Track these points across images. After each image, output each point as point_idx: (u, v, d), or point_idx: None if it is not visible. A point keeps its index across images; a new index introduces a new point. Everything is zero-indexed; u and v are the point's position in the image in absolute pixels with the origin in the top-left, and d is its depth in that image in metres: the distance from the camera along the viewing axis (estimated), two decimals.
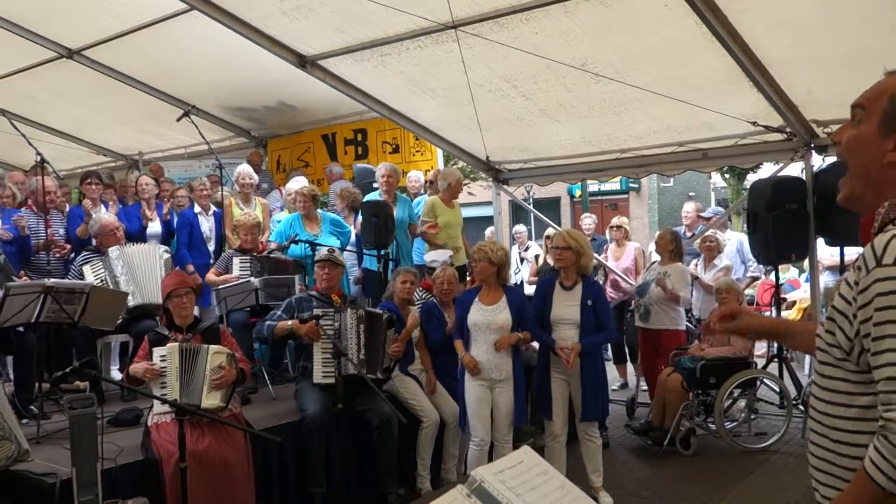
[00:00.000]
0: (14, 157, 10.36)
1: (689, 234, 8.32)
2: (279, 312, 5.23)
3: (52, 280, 5.13)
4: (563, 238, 5.18)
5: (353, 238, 7.46)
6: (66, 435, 4.21)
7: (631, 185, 26.18)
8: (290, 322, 5.09)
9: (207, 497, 3.95)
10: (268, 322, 5.19)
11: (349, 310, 5.12)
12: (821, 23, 4.81)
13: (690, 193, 25.98)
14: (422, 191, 8.26)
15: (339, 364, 4.95)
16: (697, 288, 7.70)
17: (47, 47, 7.54)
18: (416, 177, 8.40)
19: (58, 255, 6.52)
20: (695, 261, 7.92)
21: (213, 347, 4.46)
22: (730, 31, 4.91)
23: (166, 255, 6.31)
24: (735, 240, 8.44)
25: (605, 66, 5.52)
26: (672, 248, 6.93)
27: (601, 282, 8.03)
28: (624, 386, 8.30)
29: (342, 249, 6.86)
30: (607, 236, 8.99)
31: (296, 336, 5.16)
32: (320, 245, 6.38)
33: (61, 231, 6.76)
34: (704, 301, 7.57)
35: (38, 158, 5.79)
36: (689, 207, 8.76)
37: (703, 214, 8.89)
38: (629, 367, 8.26)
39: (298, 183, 7.70)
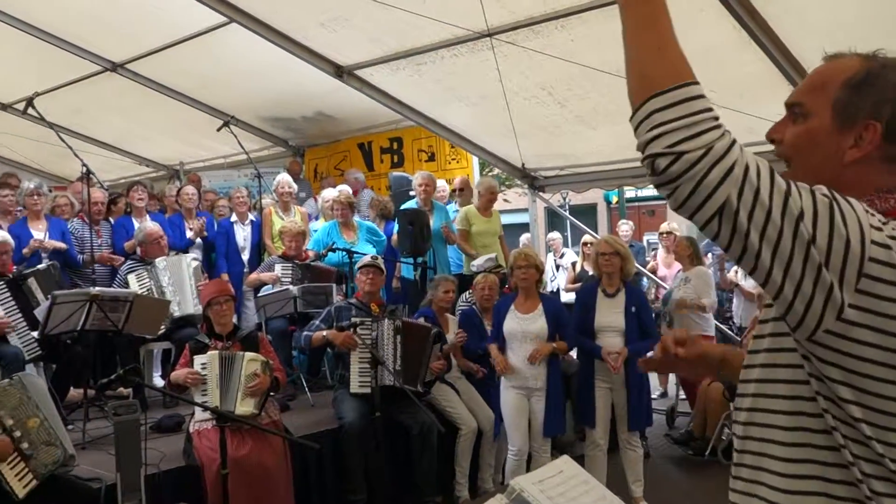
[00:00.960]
0: (61, 168, 10.63)
1: None
2: (318, 322, 5.28)
3: (98, 288, 5.24)
4: (610, 244, 5.16)
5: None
6: (111, 441, 4.31)
7: None
8: (325, 332, 5.13)
9: (248, 503, 3.99)
10: (305, 332, 5.24)
11: (386, 320, 5.14)
12: (861, 24, 4.72)
13: None
14: (448, 198, 8.27)
15: (375, 373, 4.97)
16: (738, 295, 7.60)
17: (92, 61, 7.74)
18: (441, 186, 8.40)
19: (110, 265, 6.66)
20: (735, 267, 7.81)
21: (249, 355, 4.52)
22: (768, 34, 4.85)
23: (195, 263, 6.40)
24: None
25: None
26: (690, 252, 6.87)
27: (653, 290, 7.97)
28: (664, 395, 8.21)
29: (380, 258, 6.90)
30: (645, 242, 8.91)
31: (333, 345, 5.20)
32: (357, 253, 6.43)
33: (109, 241, 6.90)
34: (746, 308, 7.47)
35: (84, 170, 5.92)
36: None
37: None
38: (669, 375, 8.17)
39: (334, 191, 7.78)
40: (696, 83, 1.21)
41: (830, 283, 1.13)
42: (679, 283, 6.78)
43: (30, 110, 6.03)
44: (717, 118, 1.17)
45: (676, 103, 1.18)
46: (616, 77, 5.50)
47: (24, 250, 6.04)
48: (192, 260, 6.44)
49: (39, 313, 5.03)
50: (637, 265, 7.75)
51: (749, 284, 7.50)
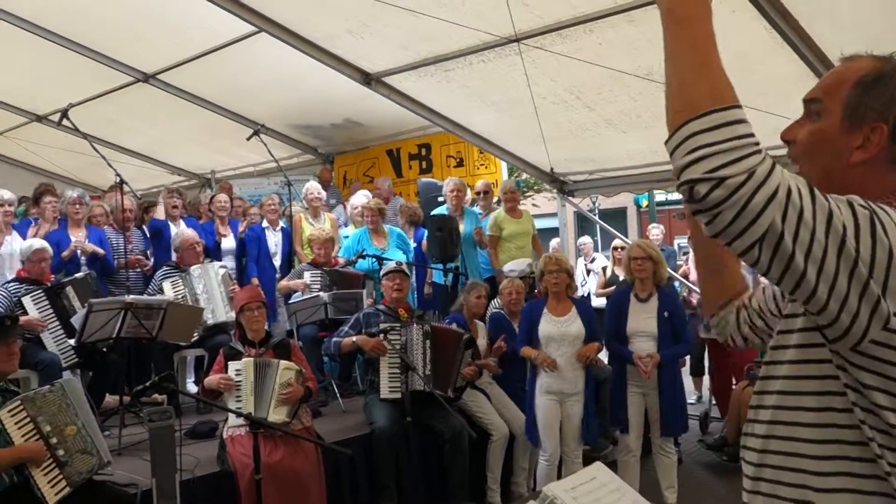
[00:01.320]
0: (94, 177, 10.80)
1: None
2: (347, 328, 5.31)
3: (132, 296, 5.31)
4: (643, 248, 5.12)
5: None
6: (145, 446, 4.36)
7: None
8: (354, 338, 5.15)
9: None
10: (335, 339, 5.27)
11: (415, 325, 5.15)
12: (893, 20, 4.65)
13: None
14: (470, 203, 8.26)
15: (405, 379, 4.98)
16: None
17: (124, 72, 7.85)
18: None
19: (140, 269, 6.75)
20: None
21: (284, 363, 4.55)
22: (801, 36, 4.78)
23: (222, 271, 6.47)
24: None
25: None
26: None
27: (685, 294, 7.89)
28: (699, 399, 8.12)
29: (409, 264, 6.93)
30: (675, 246, 8.81)
31: (363, 351, 5.21)
32: (387, 259, 6.46)
33: (141, 247, 7.00)
34: None
35: (118, 179, 6.01)
36: None
37: None
38: (704, 380, 8.08)
39: (363, 197, 7.82)
40: (739, 106, 1.17)
41: (877, 295, 1.12)
42: None
43: (64, 121, 6.13)
44: (758, 143, 1.14)
45: (718, 126, 1.15)
46: (646, 80, 5.47)
47: (64, 253, 6.16)
48: (219, 268, 6.51)
49: (76, 321, 5.13)
50: (669, 270, 7.69)
51: None
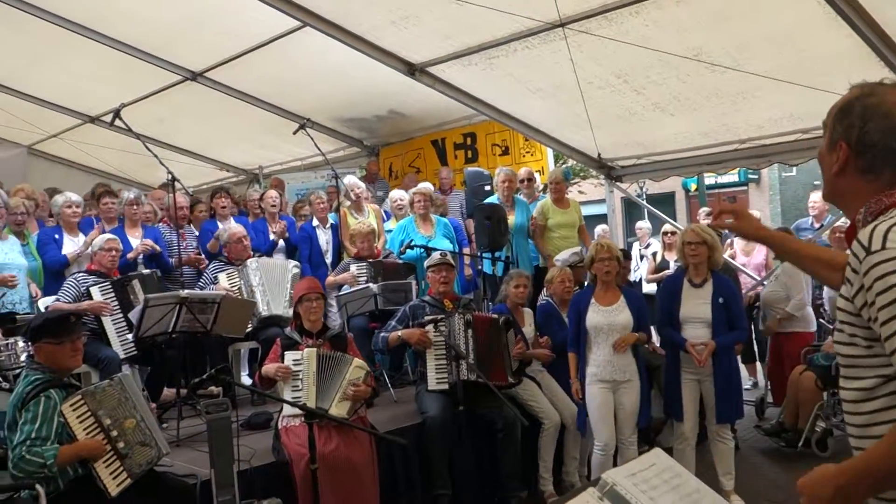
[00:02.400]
0: (147, 176, 11.01)
1: (816, 226, 7.90)
2: (394, 323, 5.33)
3: (186, 291, 5.42)
4: (697, 232, 5.02)
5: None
6: (203, 438, 4.46)
7: (750, 176, 25.06)
8: (400, 332, 5.16)
9: (337, 498, 4.06)
10: (382, 334, 5.30)
11: (456, 315, 5.14)
12: None
13: (816, 182, 24.66)
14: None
15: (455, 368, 4.98)
16: None
17: (173, 71, 7.98)
18: None
19: (196, 267, 6.89)
20: None
21: (357, 361, 4.59)
22: (856, 9, 4.63)
23: (295, 270, 6.56)
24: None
25: (721, 55, 5.32)
26: None
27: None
28: (755, 385, 7.97)
29: (459, 253, 6.95)
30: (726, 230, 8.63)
31: (409, 344, 5.23)
32: (435, 249, 6.46)
33: (194, 244, 7.14)
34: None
35: (170, 177, 6.12)
36: (816, 197, 8.27)
37: None
38: (759, 365, 7.95)
39: (401, 192, 7.86)
40: None
41: None
42: (772, 277, 6.59)
43: (117, 122, 6.25)
44: None
45: None
46: (694, 61, 5.37)
47: (130, 254, 6.31)
48: (293, 267, 6.62)
49: (133, 316, 5.24)
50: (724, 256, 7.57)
51: None
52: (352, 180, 7.83)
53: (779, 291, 6.57)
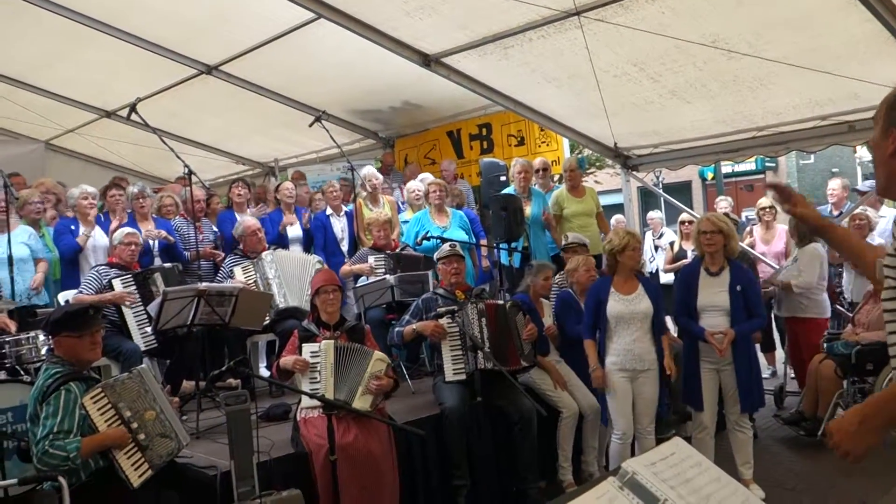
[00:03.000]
0: (163, 170, 11.08)
1: (835, 213, 7.81)
2: (408, 317, 5.32)
3: (204, 284, 5.44)
4: (712, 221, 4.99)
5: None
6: (222, 430, 4.47)
7: (767, 164, 24.92)
8: (415, 325, 5.16)
9: (356, 488, 4.07)
10: (396, 329, 5.31)
11: (469, 304, 5.13)
12: None
13: (834, 169, 24.48)
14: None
15: (471, 358, 4.97)
16: (848, 270, 7.24)
17: (188, 65, 8.01)
18: None
19: (211, 260, 6.92)
20: None
21: (378, 354, 4.59)
22: None
23: (318, 265, 6.57)
24: (890, 217, 7.84)
25: (738, 42, 5.27)
26: (803, 229, 6.58)
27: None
28: (774, 374, 7.93)
29: (476, 245, 6.94)
30: (744, 218, 8.58)
31: (425, 336, 5.23)
32: (451, 240, 6.45)
33: (210, 237, 7.17)
34: (857, 284, 7.10)
35: (186, 170, 6.14)
36: (834, 184, 8.19)
37: (859, 188, 8.33)
38: (778, 354, 7.89)
39: (420, 182, 7.84)
40: None
41: None
42: (790, 262, 6.55)
43: (133, 116, 6.28)
44: None
45: None
46: (711, 48, 5.32)
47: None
48: (316, 262, 6.64)
49: (152, 309, 5.28)
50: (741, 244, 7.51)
51: None
52: (370, 171, 7.84)
53: (797, 276, 6.52)
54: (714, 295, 4.92)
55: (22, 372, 4.33)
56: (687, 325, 5.04)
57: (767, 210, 7.95)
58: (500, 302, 5.27)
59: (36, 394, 3.52)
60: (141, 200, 6.80)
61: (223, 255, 6.90)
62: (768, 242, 7.86)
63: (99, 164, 11.58)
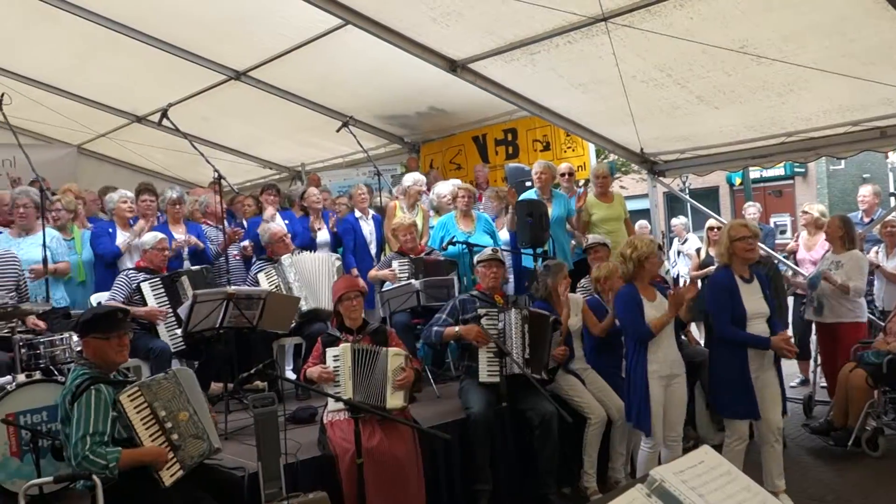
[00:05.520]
0: (192, 174, 11.21)
1: (866, 220, 7.72)
2: (444, 316, 5.32)
3: (233, 287, 5.51)
4: (749, 227, 4.87)
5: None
6: (249, 432, 4.53)
7: (797, 169, 24.62)
8: (457, 328, 5.16)
9: (382, 492, 4.09)
10: (435, 328, 5.28)
11: (513, 310, 5.14)
12: None
13: (865, 175, 24.16)
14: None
15: (503, 363, 4.98)
16: (879, 277, 7.15)
17: (218, 71, 8.10)
18: None
19: (237, 256, 6.98)
20: (875, 248, 7.34)
21: (392, 350, 4.62)
22: None
23: (337, 263, 6.64)
24: None
25: (768, 47, 5.24)
26: (842, 234, 6.49)
27: (789, 274, 7.62)
28: (804, 382, 7.82)
29: (501, 249, 6.92)
30: (772, 224, 8.51)
31: (462, 339, 5.24)
32: (476, 245, 6.47)
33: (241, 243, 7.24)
34: (888, 291, 7.02)
35: (216, 175, 6.22)
36: (865, 191, 8.09)
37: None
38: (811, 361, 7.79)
39: (448, 185, 7.87)
40: None
41: None
42: (829, 266, 6.44)
43: (164, 121, 6.37)
44: None
45: None
46: (740, 54, 5.29)
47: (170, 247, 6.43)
48: (335, 259, 6.71)
49: (182, 312, 5.36)
50: (767, 249, 7.44)
51: (891, 266, 7.04)
52: (418, 177, 7.89)
53: (844, 279, 6.41)
54: (755, 302, 4.80)
55: (56, 372, 4.41)
56: (735, 334, 4.77)
57: (813, 217, 7.83)
58: (545, 313, 5.26)
59: (65, 394, 3.56)
60: (177, 207, 6.94)
61: (242, 232, 6.96)
62: (811, 248, 7.75)
63: (129, 169, 11.74)
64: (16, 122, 5.95)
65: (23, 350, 4.32)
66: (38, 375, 4.26)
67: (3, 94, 5.56)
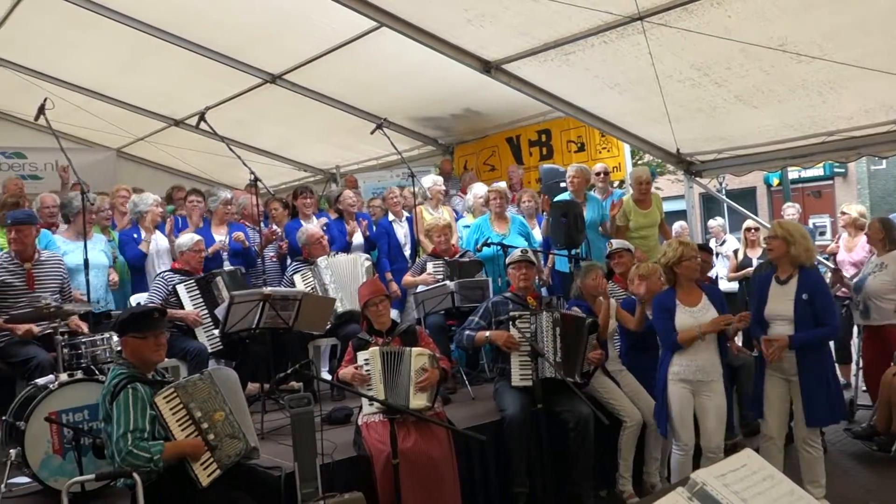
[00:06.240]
0: (228, 177, 11.34)
1: None
2: (477, 319, 5.32)
3: (270, 289, 5.56)
4: (774, 226, 4.87)
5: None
6: (285, 432, 4.56)
7: (836, 169, 24.13)
8: (487, 333, 5.15)
9: (417, 493, 4.10)
10: (467, 332, 5.28)
11: (545, 313, 5.11)
12: None
13: None
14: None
15: (536, 366, 4.95)
16: None
17: (253, 74, 8.20)
18: None
19: (274, 258, 7.04)
20: None
21: (415, 350, 4.62)
22: None
23: (367, 263, 6.67)
24: None
25: (808, 45, 5.14)
26: (882, 235, 6.36)
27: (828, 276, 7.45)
28: (846, 386, 7.65)
29: (533, 250, 6.89)
30: (811, 225, 8.36)
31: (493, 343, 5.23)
32: (511, 247, 6.44)
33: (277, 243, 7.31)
34: None
35: (252, 177, 6.28)
36: None
37: None
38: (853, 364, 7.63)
39: (484, 187, 7.86)
40: None
41: None
42: (873, 268, 6.31)
43: (202, 124, 6.45)
44: None
45: None
46: (779, 52, 5.21)
47: (210, 249, 6.51)
48: (364, 260, 6.73)
49: (219, 313, 5.42)
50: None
51: None
52: (436, 178, 7.90)
53: (889, 282, 6.27)
54: (781, 303, 4.76)
55: (97, 371, 4.48)
56: (754, 333, 4.91)
57: (854, 219, 7.67)
58: (583, 316, 5.21)
59: (105, 393, 3.63)
60: (228, 207, 7.06)
61: (279, 232, 7.05)
62: (851, 250, 7.60)
63: (167, 171, 11.94)
64: (57, 127, 6.06)
65: (65, 350, 4.39)
66: (79, 375, 4.33)
67: (45, 100, 5.65)
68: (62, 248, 5.97)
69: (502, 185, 7.87)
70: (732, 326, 4.88)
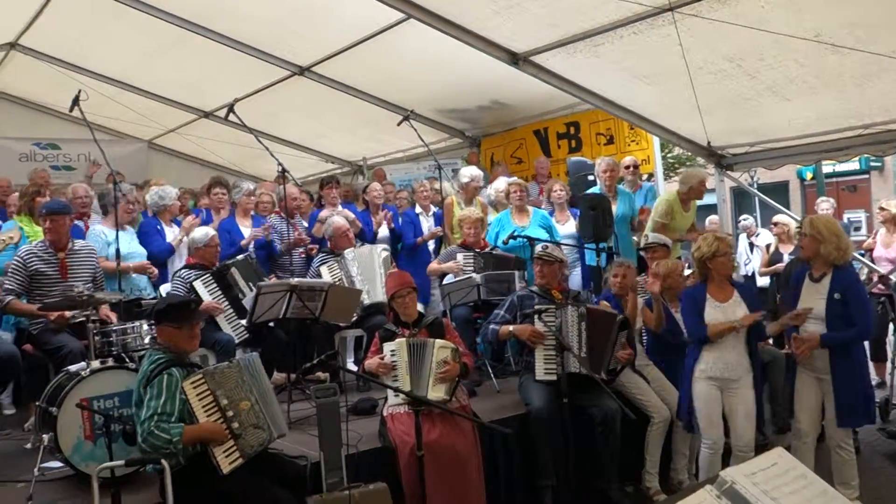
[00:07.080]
0: (256, 168, 11.43)
1: None
2: (502, 312, 5.30)
3: (296, 279, 5.59)
4: (805, 223, 4.78)
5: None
6: (311, 421, 4.59)
7: (872, 163, 23.62)
8: (511, 328, 5.14)
9: (442, 485, 4.11)
10: (492, 326, 5.28)
11: (570, 307, 5.07)
12: None
13: None
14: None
15: (561, 360, 4.93)
16: None
17: (282, 67, 8.25)
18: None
19: (302, 255, 7.08)
20: None
21: (439, 342, 4.63)
22: None
23: (384, 254, 6.66)
24: None
25: (843, 35, 5.03)
26: None
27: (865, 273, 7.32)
28: (880, 385, 7.52)
29: (555, 243, 6.86)
30: (846, 220, 8.21)
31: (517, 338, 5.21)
32: (538, 240, 6.39)
33: (304, 235, 7.33)
34: None
35: (280, 169, 6.31)
36: None
37: None
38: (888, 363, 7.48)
39: (504, 181, 7.83)
40: None
41: None
42: None
43: (231, 116, 6.49)
44: None
45: None
46: (813, 43, 5.11)
47: (243, 242, 6.61)
48: (381, 251, 6.73)
49: (247, 303, 5.47)
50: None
51: None
52: (476, 172, 7.86)
53: None
54: (811, 301, 4.66)
55: (127, 359, 4.54)
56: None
57: (895, 213, 7.52)
58: (614, 312, 5.16)
59: (140, 377, 3.71)
60: (251, 198, 7.09)
61: (309, 239, 7.05)
62: (889, 246, 7.45)
63: (197, 163, 12.06)
64: (91, 119, 6.13)
65: (96, 338, 4.46)
66: (110, 362, 4.39)
67: (80, 91, 5.72)
68: (107, 237, 6.01)
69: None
70: (790, 323, 4.77)
